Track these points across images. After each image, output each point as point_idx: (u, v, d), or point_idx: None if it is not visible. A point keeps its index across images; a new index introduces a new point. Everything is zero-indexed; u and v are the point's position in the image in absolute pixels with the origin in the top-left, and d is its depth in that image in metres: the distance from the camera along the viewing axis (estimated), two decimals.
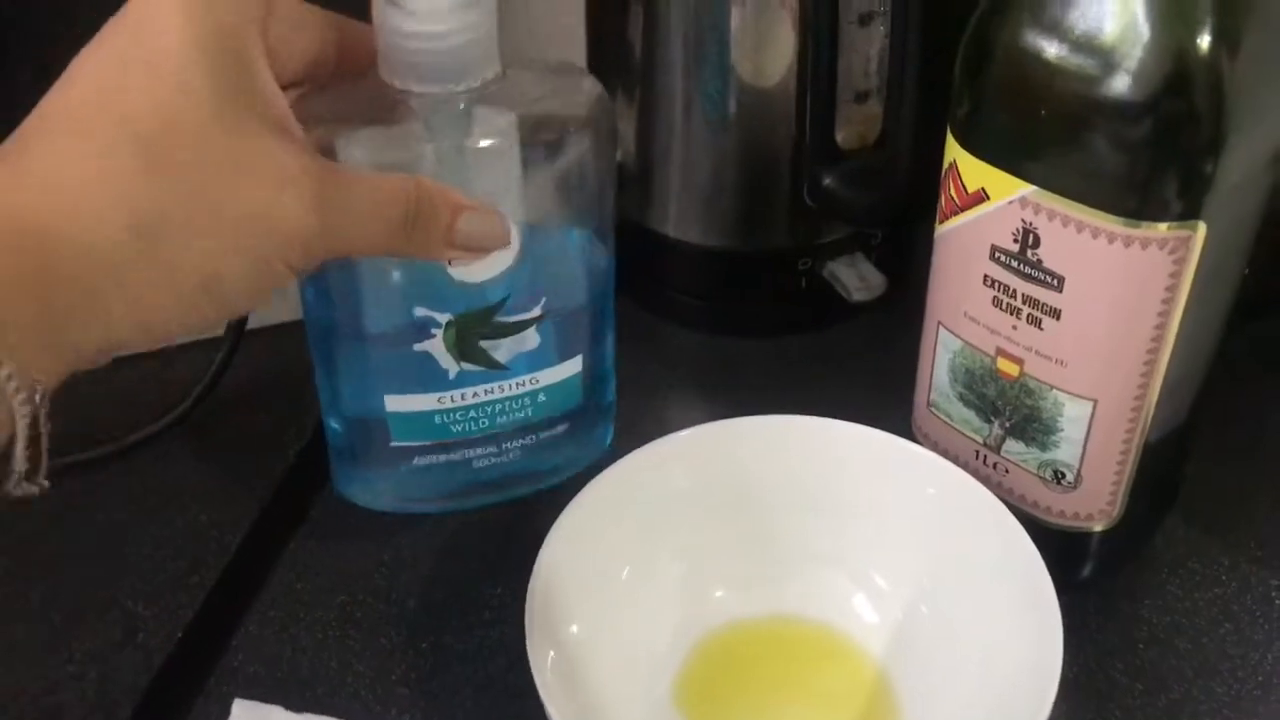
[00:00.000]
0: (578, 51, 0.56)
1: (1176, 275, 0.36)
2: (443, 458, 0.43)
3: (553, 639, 0.38)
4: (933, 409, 0.44)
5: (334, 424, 0.44)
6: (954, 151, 0.38)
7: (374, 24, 0.35)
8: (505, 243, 0.36)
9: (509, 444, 0.44)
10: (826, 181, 0.50)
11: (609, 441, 0.48)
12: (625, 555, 0.41)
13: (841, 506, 0.43)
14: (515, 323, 0.40)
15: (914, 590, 0.42)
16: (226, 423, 0.51)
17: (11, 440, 0.26)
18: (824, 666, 0.42)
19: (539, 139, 0.37)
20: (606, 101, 0.38)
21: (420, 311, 0.39)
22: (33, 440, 0.27)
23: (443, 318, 0.39)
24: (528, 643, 0.36)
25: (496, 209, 0.35)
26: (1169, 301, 0.36)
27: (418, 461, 0.43)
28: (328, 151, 0.34)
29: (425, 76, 0.35)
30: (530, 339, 0.41)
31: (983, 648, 0.39)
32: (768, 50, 0.49)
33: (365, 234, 0.32)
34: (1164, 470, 0.43)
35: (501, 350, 0.41)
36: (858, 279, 0.53)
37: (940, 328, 0.42)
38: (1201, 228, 0.35)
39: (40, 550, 0.47)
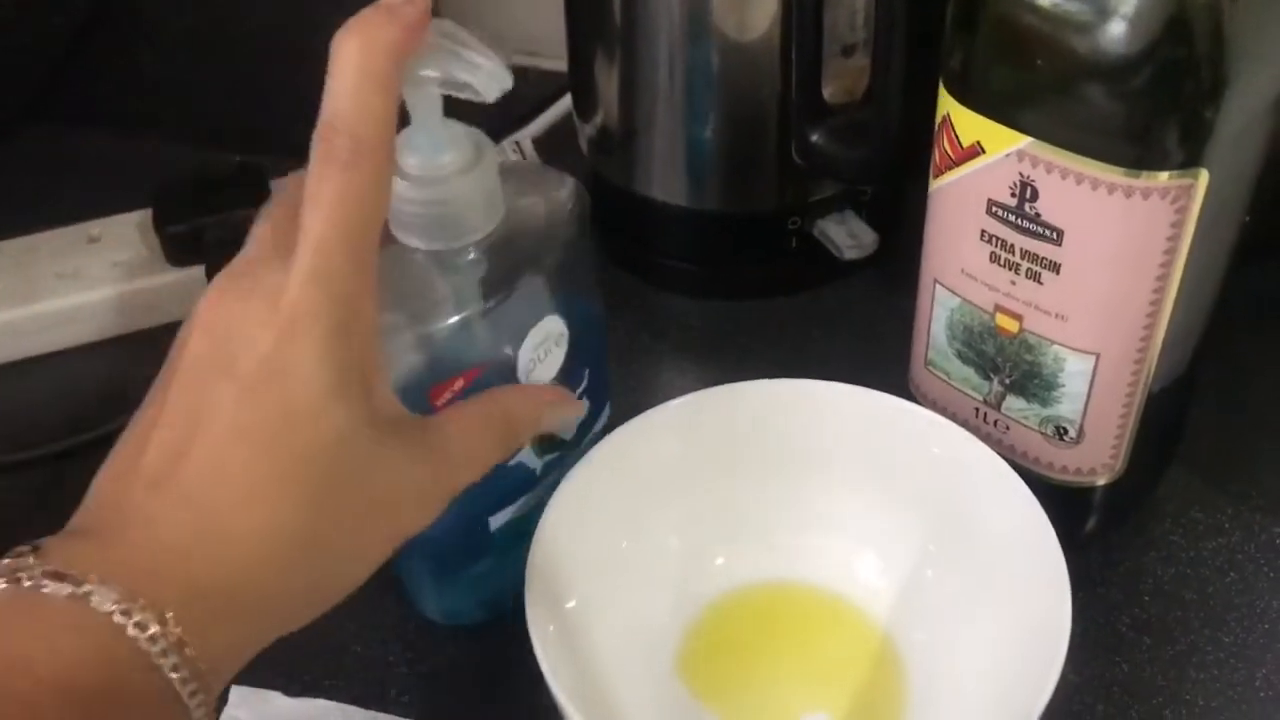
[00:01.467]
0: (556, 15, 0.55)
1: (1179, 225, 0.35)
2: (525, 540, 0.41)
3: (552, 613, 0.37)
4: (930, 367, 0.43)
5: (424, 548, 0.38)
6: (947, 104, 0.37)
7: None
8: (582, 411, 0.40)
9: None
10: (814, 138, 0.49)
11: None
12: (623, 527, 0.41)
13: (840, 470, 0.42)
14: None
15: (917, 552, 0.42)
16: None
17: None
18: (828, 632, 0.42)
19: (543, 248, 0.38)
20: (585, 195, 0.40)
21: None
22: None
23: None
24: (528, 618, 0.36)
25: (566, 393, 0.39)
26: (1171, 252, 0.36)
27: (516, 562, 0.40)
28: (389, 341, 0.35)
29: (436, 235, 0.35)
30: (582, 407, 0.41)
31: (989, 609, 0.39)
32: (750, 5, 0.48)
33: (470, 475, 0.34)
34: (1166, 421, 0.43)
35: (568, 429, 0.41)
36: (848, 237, 0.52)
37: (937, 285, 0.41)
38: (1204, 175, 0.34)
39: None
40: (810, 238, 0.53)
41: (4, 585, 0.27)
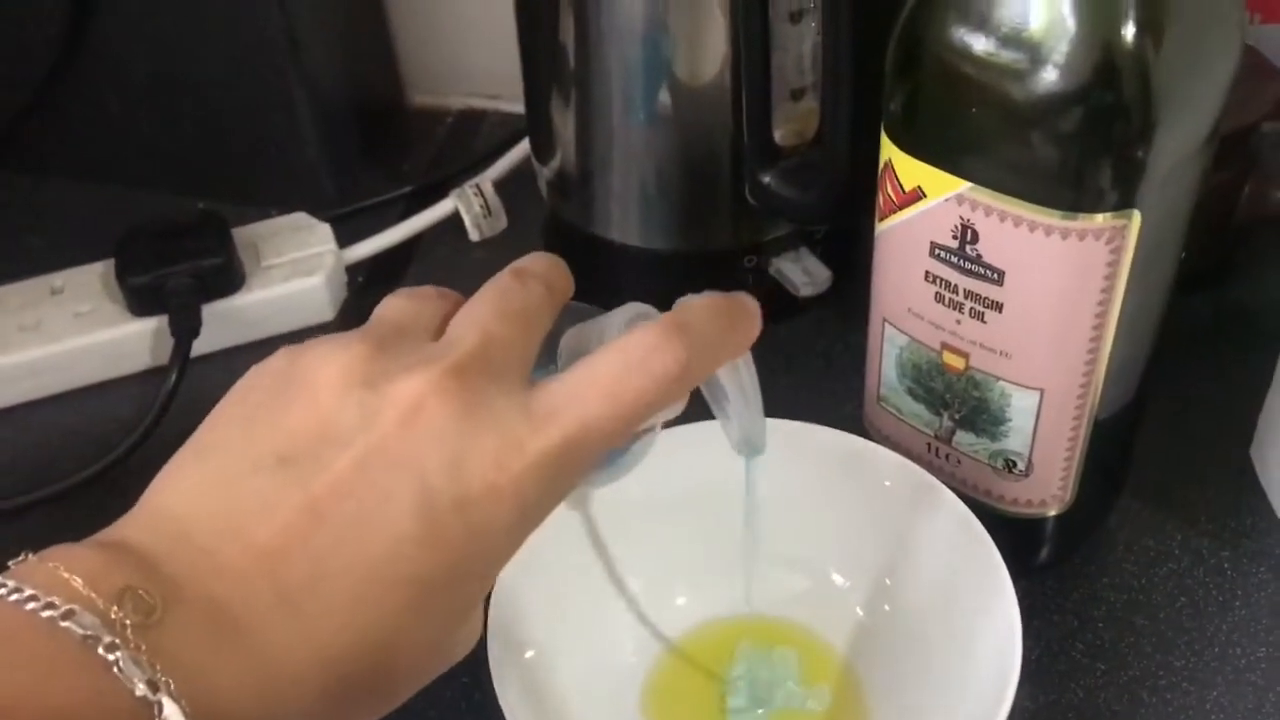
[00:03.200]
0: (515, 57, 0.56)
1: (1114, 264, 0.36)
2: None
3: (514, 663, 0.38)
4: (883, 404, 0.44)
5: None
6: (889, 150, 0.38)
7: None
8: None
9: None
10: (766, 180, 0.50)
11: None
12: (582, 572, 0.41)
13: (797, 506, 0.43)
14: None
15: (873, 586, 0.42)
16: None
17: None
18: (791, 658, 0.42)
19: None
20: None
21: None
22: None
23: None
24: (491, 670, 0.36)
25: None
26: (1108, 290, 0.37)
27: None
28: None
29: None
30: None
31: (944, 639, 0.40)
32: (701, 50, 0.49)
33: None
34: (1114, 450, 0.44)
35: None
36: (804, 274, 0.53)
37: (885, 324, 0.42)
38: (1136, 216, 0.35)
39: None
40: (766, 275, 0.54)
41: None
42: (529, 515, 0.28)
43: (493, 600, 0.38)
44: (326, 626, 0.26)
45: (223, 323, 0.54)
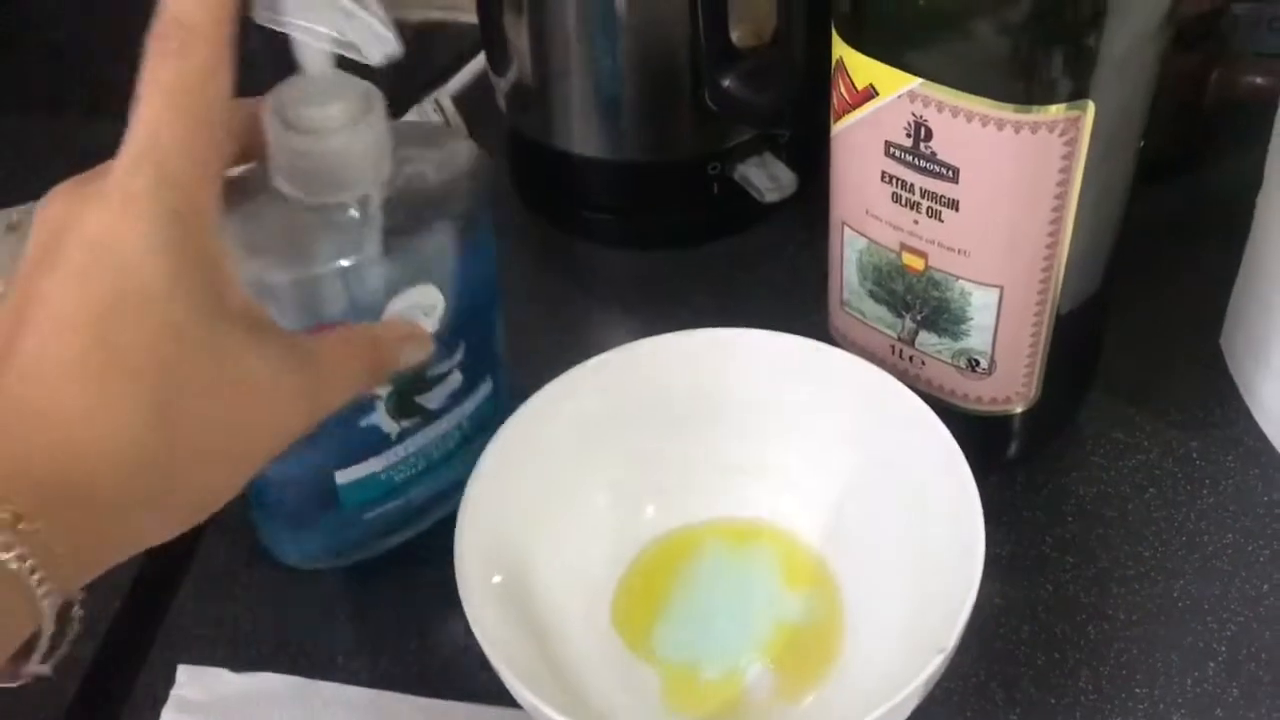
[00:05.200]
0: None
1: (1069, 157, 0.35)
2: (389, 506, 0.43)
3: (484, 579, 0.38)
4: (846, 308, 0.43)
5: (268, 492, 0.42)
6: (840, 49, 0.37)
7: (268, 141, 0.35)
8: (424, 354, 0.38)
9: (441, 471, 0.44)
10: (725, 83, 0.49)
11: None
12: (551, 487, 0.41)
13: (763, 414, 0.43)
14: (444, 373, 0.41)
15: (841, 488, 0.42)
16: None
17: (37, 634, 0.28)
18: (763, 559, 0.43)
19: (433, 213, 0.38)
20: (483, 156, 0.40)
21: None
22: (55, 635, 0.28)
23: (385, 390, 0.40)
24: (459, 586, 0.36)
25: (421, 328, 0.38)
26: (1064, 184, 0.36)
27: (367, 516, 0.43)
28: (257, 286, 0.35)
29: (323, 188, 0.35)
30: (454, 380, 0.42)
31: (910, 539, 0.40)
32: None
33: (341, 395, 0.33)
34: (1081, 343, 0.44)
35: (434, 398, 0.41)
36: (769, 180, 0.53)
37: (845, 227, 0.41)
38: (1091, 107, 0.35)
39: None
40: (731, 182, 0.53)
41: None
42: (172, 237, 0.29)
43: (460, 522, 0.38)
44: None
45: None
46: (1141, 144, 0.39)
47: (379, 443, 0.41)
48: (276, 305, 0.35)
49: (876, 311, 0.42)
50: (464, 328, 0.40)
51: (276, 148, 0.34)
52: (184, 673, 0.42)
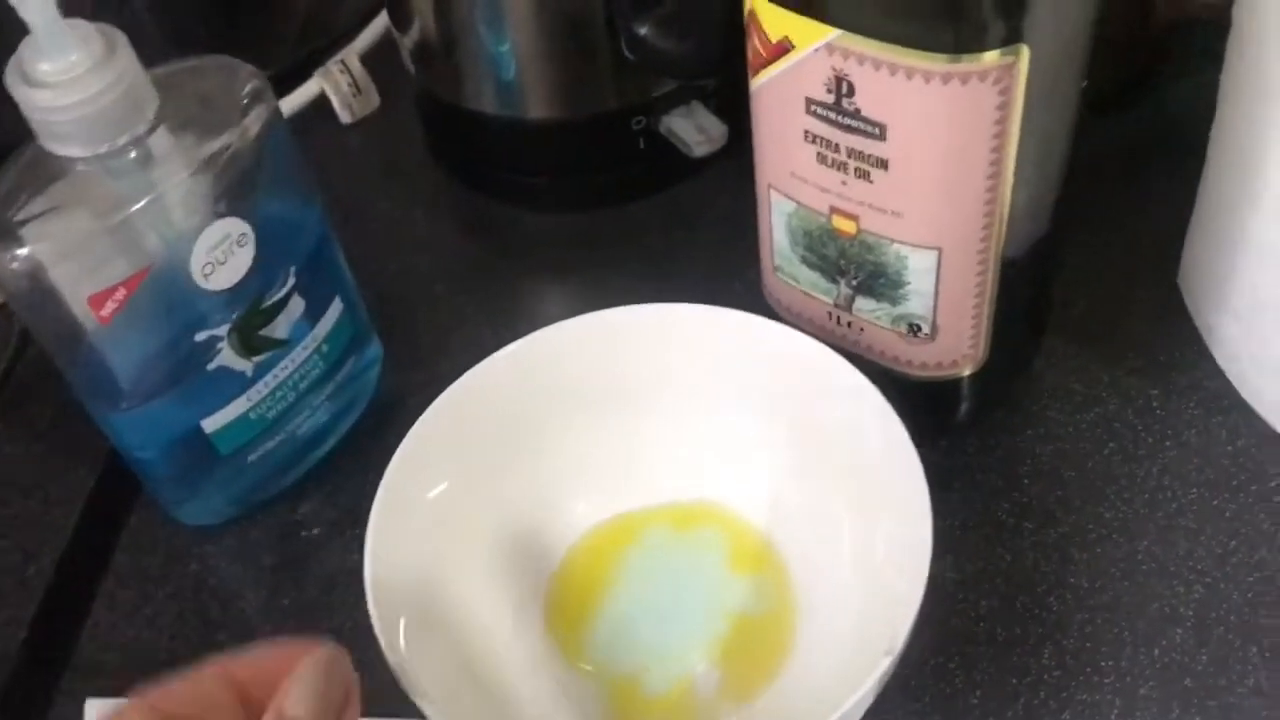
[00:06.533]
0: None
1: (1005, 107, 0.32)
2: (271, 443, 0.43)
3: (403, 594, 0.35)
4: (779, 274, 0.41)
5: (145, 456, 0.42)
6: None
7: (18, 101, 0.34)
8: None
9: (315, 400, 0.44)
10: (642, 31, 0.46)
11: (380, 349, 0.47)
12: (470, 487, 0.39)
13: (697, 392, 0.40)
14: (280, 299, 0.40)
15: (783, 466, 0.40)
16: (34, 399, 0.47)
17: None
18: (707, 540, 0.40)
19: (222, 142, 0.37)
20: (263, 80, 0.39)
21: (201, 335, 0.39)
22: None
23: (222, 330, 0.39)
24: (375, 625, 0.33)
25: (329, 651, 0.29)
26: (1001, 135, 0.33)
27: (251, 459, 0.43)
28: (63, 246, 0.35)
29: (89, 139, 0.35)
30: (296, 305, 0.41)
31: (857, 516, 0.38)
32: None
33: None
34: (1030, 291, 0.41)
35: (280, 327, 0.41)
36: (696, 131, 0.49)
37: (771, 190, 0.38)
38: (1025, 52, 0.31)
39: None
40: (658, 136, 0.50)
41: None
42: None
43: (369, 540, 0.35)
44: None
45: None
46: (1084, 84, 0.36)
47: (236, 383, 0.41)
48: (92, 260, 0.35)
49: (810, 277, 0.39)
50: (288, 251, 0.40)
51: (30, 109, 0.34)
52: (92, 708, 0.39)
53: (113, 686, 0.39)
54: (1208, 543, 0.40)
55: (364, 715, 0.36)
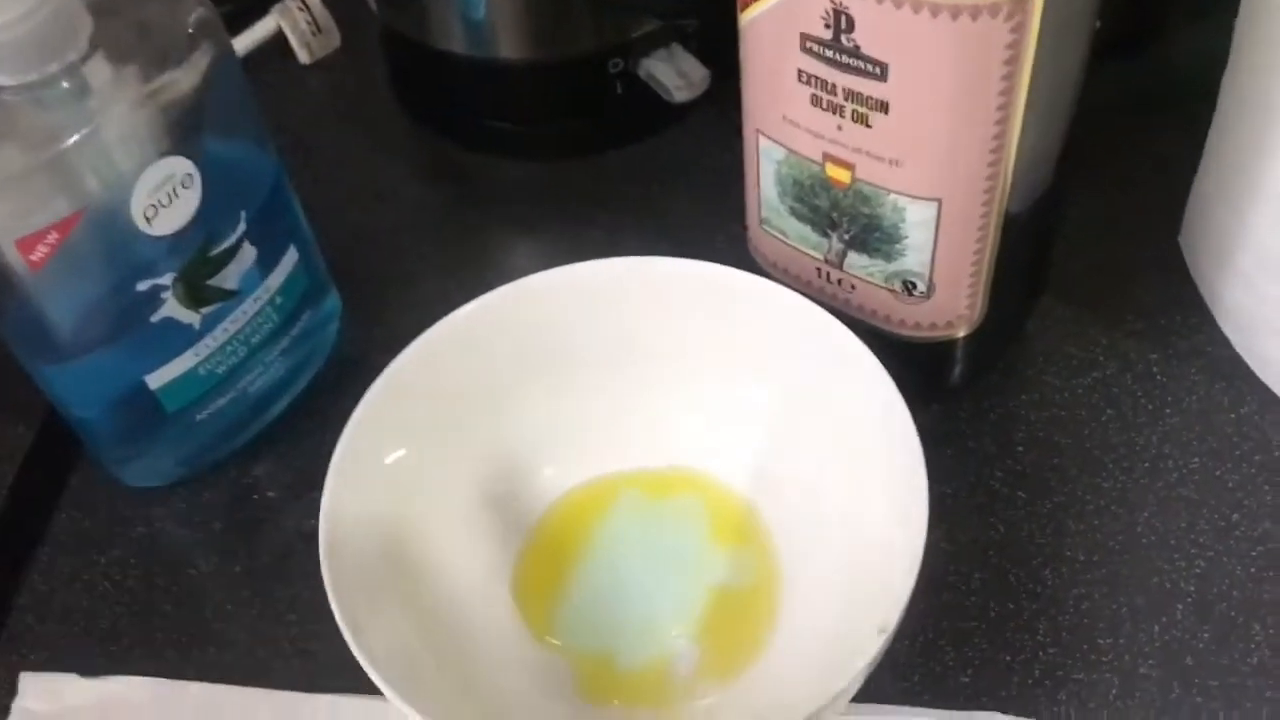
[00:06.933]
0: None
1: (1016, 46, 0.30)
2: (222, 401, 0.40)
3: (361, 563, 0.33)
4: (765, 227, 0.38)
5: (86, 414, 0.39)
6: None
7: None
8: None
9: (269, 356, 0.41)
10: None
11: (338, 302, 0.44)
12: (433, 452, 0.36)
13: (676, 351, 0.38)
14: (229, 247, 0.38)
15: (767, 430, 0.38)
16: None
17: None
18: (686, 508, 0.38)
19: (163, 76, 0.34)
20: (211, 10, 0.36)
21: (143, 284, 0.36)
22: None
23: (167, 279, 0.36)
24: (335, 610, 0.31)
25: None
26: (1010, 78, 0.31)
27: (200, 417, 0.40)
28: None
29: (16, 65, 0.32)
30: (247, 254, 0.38)
31: (845, 483, 0.35)
32: None
33: None
34: (1029, 250, 0.39)
35: (229, 278, 0.38)
36: (677, 76, 0.47)
37: (760, 136, 0.36)
38: None
39: None
40: (636, 80, 0.47)
41: None
42: None
43: (325, 506, 0.32)
44: None
45: None
46: (1098, 24, 0.33)
47: (183, 336, 0.38)
48: (21, 200, 0.33)
49: (799, 231, 0.37)
50: (238, 196, 0.37)
51: None
52: (26, 681, 0.36)
53: (50, 659, 0.37)
54: (1210, 515, 0.38)
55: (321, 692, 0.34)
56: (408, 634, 0.33)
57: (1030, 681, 0.35)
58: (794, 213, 0.37)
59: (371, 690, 0.30)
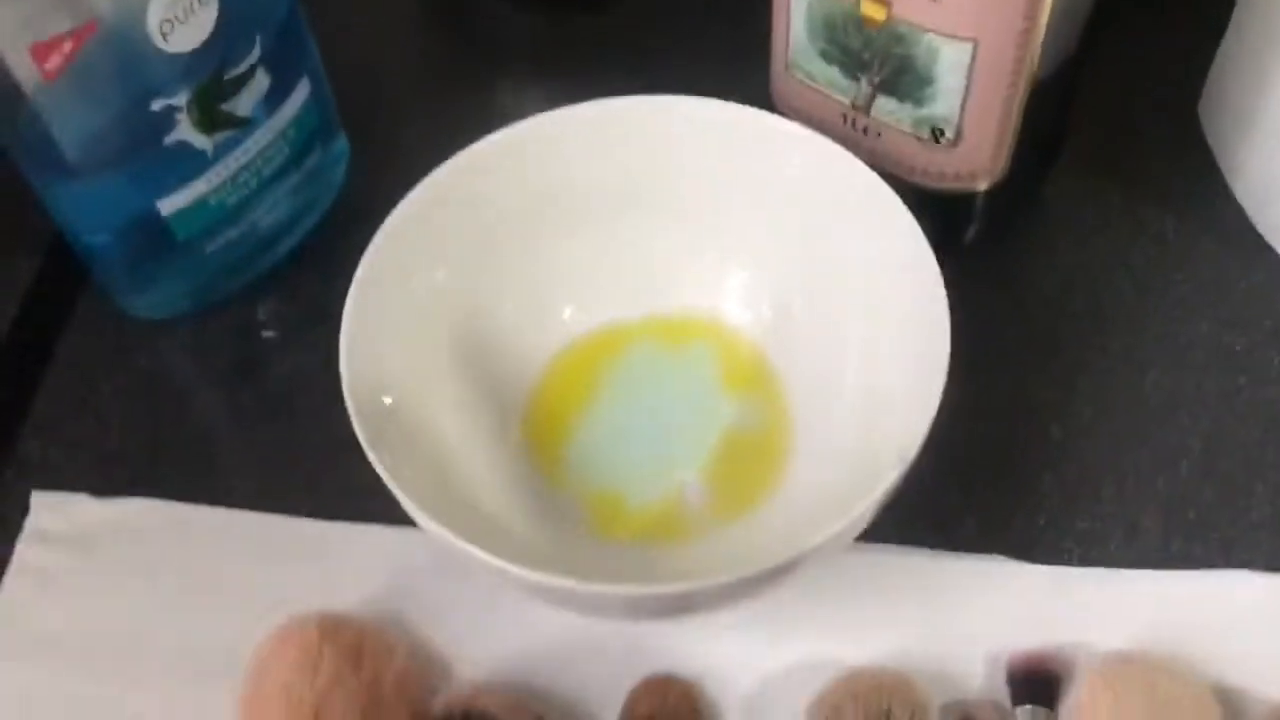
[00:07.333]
0: None
1: None
2: (232, 233, 0.40)
3: (375, 399, 0.33)
4: (792, 70, 0.38)
5: (97, 240, 0.38)
6: None
7: None
8: None
9: (278, 191, 0.41)
10: None
11: (346, 145, 0.44)
12: (449, 289, 0.36)
13: (694, 195, 0.37)
14: (244, 72, 0.37)
15: (784, 276, 0.37)
16: None
17: None
18: (698, 354, 0.38)
19: None
20: None
21: (157, 104, 0.35)
22: None
23: (181, 99, 0.36)
24: (354, 420, 0.31)
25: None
26: None
27: (210, 249, 0.40)
28: None
29: None
30: (261, 81, 0.38)
31: (862, 332, 0.36)
32: None
33: None
34: (1051, 114, 0.39)
35: (242, 104, 0.37)
36: None
37: None
38: None
39: None
40: None
41: None
42: None
43: (344, 337, 0.32)
44: None
45: None
46: None
47: (196, 162, 0.37)
48: (33, 5, 0.32)
49: (828, 74, 0.36)
50: (253, 18, 0.37)
51: None
52: (38, 500, 0.36)
53: (58, 480, 0.37)
54: (1218, 378, 0.39)
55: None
56: (432, 474, 0.33)
57: (1035, 530, 0.36)
58: (824, 55, 0.36)
59: (383, 518, 0.30)
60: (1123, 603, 0.34)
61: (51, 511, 0.36)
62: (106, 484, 0.37)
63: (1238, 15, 0.41)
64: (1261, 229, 0.41)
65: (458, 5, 0.49)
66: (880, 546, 0.35)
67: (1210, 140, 0.43)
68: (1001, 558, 0.35)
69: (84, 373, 0.40)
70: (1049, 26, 0.33)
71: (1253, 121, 0.40)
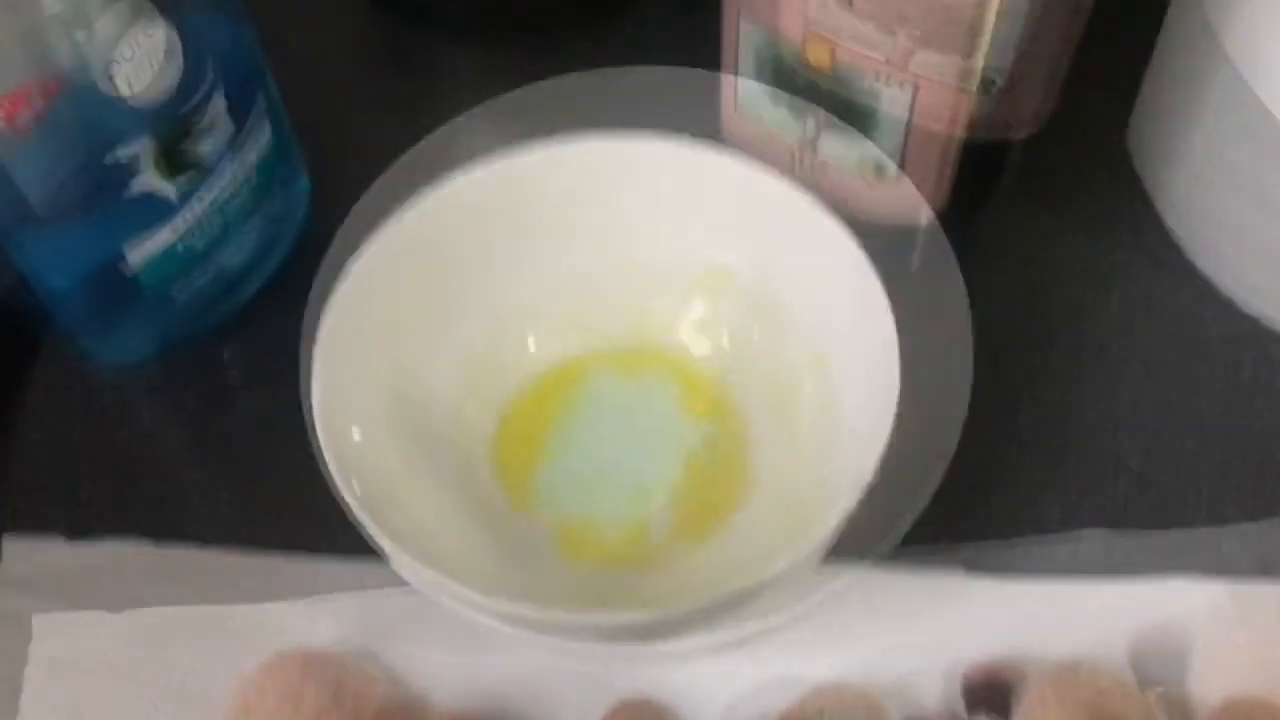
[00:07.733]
0: None
1: None
2: (198, 278, 0.41)
3: (344, 433, 0.33)
4: (741, 110, 0.39)
5: (61, 287, 0.39)
6: None
7: None
8: None
9: (244, 232, 0.41)
10: None
11: (308, 183, 0.45)
12: (417, 325, 0.37)
13: (651, 231, 0.39)
14: (208, 117, 0.38)
15: (744, 309, 0.39)
16: None
17: None
18: (658, 383, 0.40)
19: None
20: None
21: (122, 152, 0.36)
22: None
23: (146, 147, 0.36)
24: (321, 445, 0.32)
25: None
26: None
27: (176, 294, 0.40)
28: None
29: None
30: (225, 125, 0.38)
31: (820, 364, 0.37)
32: None
33: None
34: (990, 149, 0.40)
35: (206, 149, 0.38)
36: None
37: (740, 16, 0.37)
38: None
39: None
40: None
41: None
42: None
43: (314, 373, 0.33)
44: None
45: None
46: None
47: (161, 209, 0.38)
48: (7, 55, 0.32)
49: (775, 115, 0.38)
50: (216, 64, 0.37)
51: None
52: (11, 544, 0.37)
53: (29, 523, 0.38)
54: (1151, 392, 0.41)
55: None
56: (402, 506, 0.34)
57: (984, 544, 0.38)
58: (771, 97, 0.38)
59: (356, 552, 0.31)
60: (1070, 612, 0.36)
61: (22, 556, 0.37)
62: (78, 526, 0.38)
63: (1160, 46, 0.43)
64: (1189, 253, 0.43)
65: (418, 47, 0.50)
66: (841, 565, 0.36)
67: (1139, 169, 0.45)
68: (956, 572, 0.37)
69: (51, 416, 0.40)
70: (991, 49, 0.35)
71: (1176, 151, 0.42)
